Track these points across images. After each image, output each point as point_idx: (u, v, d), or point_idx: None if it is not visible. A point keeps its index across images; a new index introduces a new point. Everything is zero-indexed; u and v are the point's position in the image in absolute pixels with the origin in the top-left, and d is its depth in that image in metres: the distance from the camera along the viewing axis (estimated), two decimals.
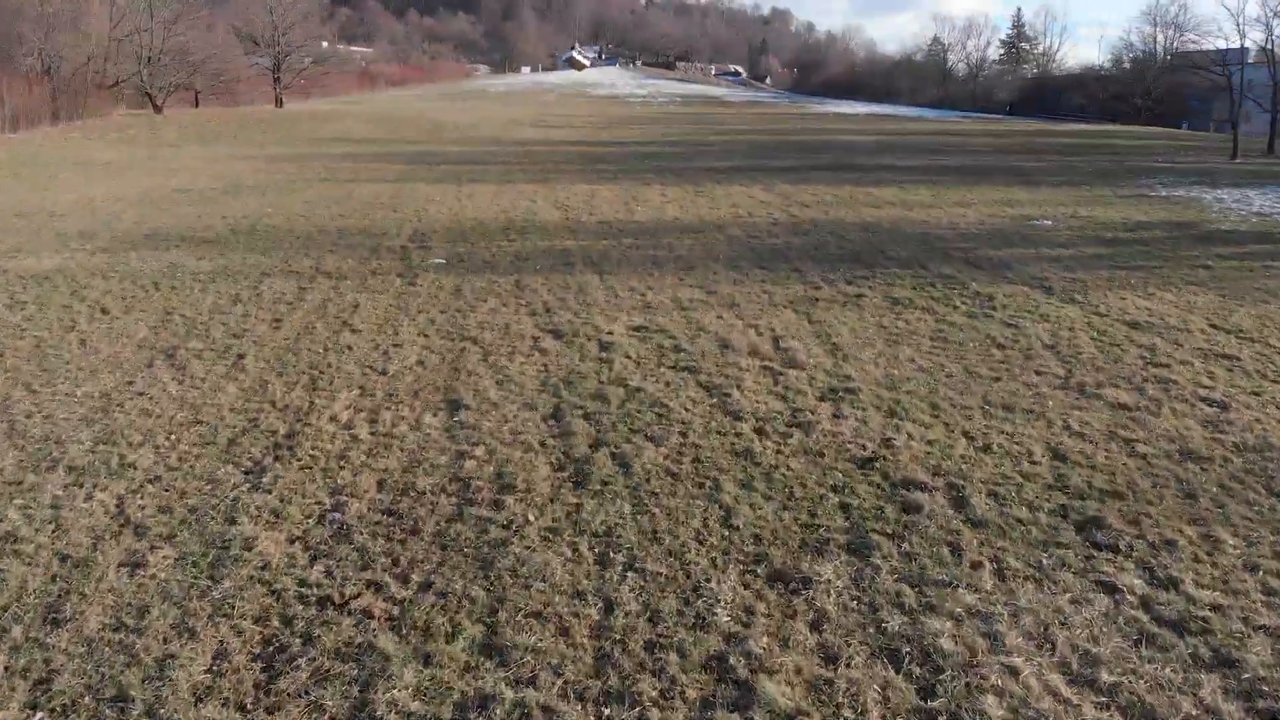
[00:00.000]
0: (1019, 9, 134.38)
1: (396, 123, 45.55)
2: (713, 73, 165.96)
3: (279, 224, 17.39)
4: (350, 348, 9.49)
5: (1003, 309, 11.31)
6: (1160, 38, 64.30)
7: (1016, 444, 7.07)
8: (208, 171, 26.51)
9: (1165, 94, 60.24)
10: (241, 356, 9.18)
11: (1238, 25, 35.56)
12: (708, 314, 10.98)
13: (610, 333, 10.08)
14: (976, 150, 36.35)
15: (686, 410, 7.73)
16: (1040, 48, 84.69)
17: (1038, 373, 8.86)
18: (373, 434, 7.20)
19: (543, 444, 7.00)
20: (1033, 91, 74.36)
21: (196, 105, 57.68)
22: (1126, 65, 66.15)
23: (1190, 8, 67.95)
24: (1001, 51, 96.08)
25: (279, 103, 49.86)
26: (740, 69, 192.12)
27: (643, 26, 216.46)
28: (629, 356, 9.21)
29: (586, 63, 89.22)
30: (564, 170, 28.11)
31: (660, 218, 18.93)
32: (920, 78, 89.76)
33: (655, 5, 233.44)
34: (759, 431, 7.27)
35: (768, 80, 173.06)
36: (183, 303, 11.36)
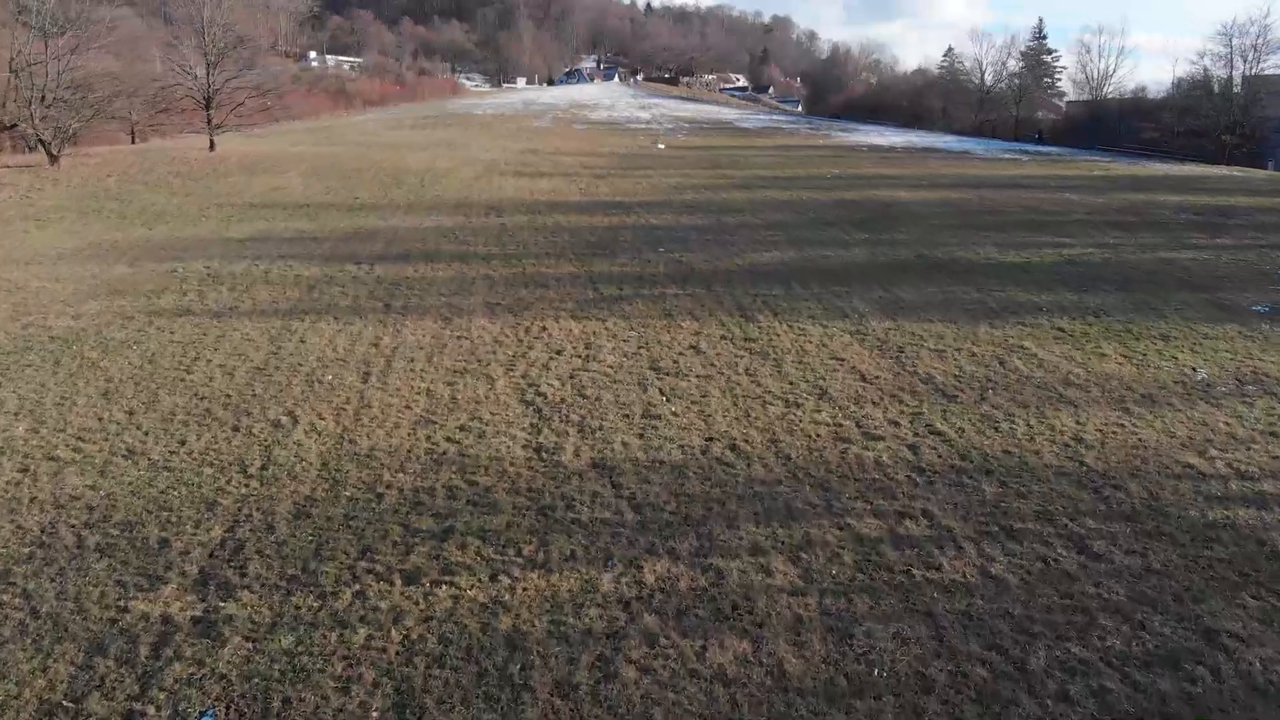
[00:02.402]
0: (1040, 18, 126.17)
1: (347, 172, 37.07)
2: (718, 87, 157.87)
3: None
4: None
5: None
6: (1240, 63, 56.02)
7: None
8: (26, 291, 18.14)
9: (1253, 128, 51.99)
10: None
11: None
12: None
13: None
14: (1088, 223, 27.96)
15: None
16: (1097, 70, 75.68)
17: None
18: None
19: None
20: (1085, 119, 65.82)
21: (134, 141, 49.41)
22: (1198, 92, 57.73)
23: (1272, 28, 59.33)
24: (1020, 65, 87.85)
25: (211, 145, 41.42)
26: (743, 79, 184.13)
27: (642, 36, 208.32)
28: None
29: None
30: (546, 277, 19.74)
31: (705, 439, 10.58)
32: (953, 100, 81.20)
33: (655, 14, 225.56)
34: None
35: (770, 91, 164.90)
36: None
